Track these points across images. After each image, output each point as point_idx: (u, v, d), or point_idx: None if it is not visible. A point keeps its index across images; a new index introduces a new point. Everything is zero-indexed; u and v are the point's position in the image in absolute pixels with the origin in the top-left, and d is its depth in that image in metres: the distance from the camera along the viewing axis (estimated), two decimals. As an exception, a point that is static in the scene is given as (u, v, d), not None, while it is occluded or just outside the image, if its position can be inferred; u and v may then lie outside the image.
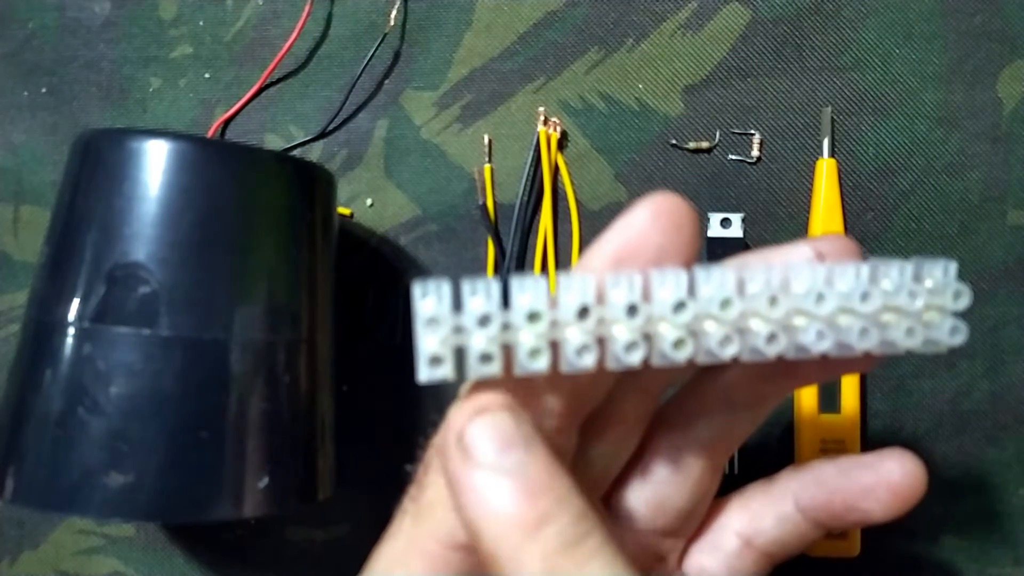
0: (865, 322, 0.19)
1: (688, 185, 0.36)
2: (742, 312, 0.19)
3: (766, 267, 0.19)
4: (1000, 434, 0.36)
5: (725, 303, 0.19)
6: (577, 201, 0.36)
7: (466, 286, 0.18)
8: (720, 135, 0.36)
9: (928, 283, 0.19)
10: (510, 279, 0.18)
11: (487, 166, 0.36)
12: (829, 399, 0.34)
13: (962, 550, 0.35)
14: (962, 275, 0.36)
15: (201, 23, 0.37)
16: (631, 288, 0.18)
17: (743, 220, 0.35)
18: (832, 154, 0.36)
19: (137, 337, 0.26)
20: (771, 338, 0.19)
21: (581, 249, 0.36)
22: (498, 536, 0.18)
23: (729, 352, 0.19)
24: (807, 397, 0.34)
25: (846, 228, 0.35)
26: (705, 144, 0.36)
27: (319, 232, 0.31)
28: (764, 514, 0.24)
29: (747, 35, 0.36)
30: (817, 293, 0.19)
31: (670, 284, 0.18)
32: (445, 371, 0.18)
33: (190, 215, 0.27)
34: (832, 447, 0.34)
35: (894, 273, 0.19)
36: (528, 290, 0.18)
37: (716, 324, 0.19)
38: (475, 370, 0.18)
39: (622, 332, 0.18)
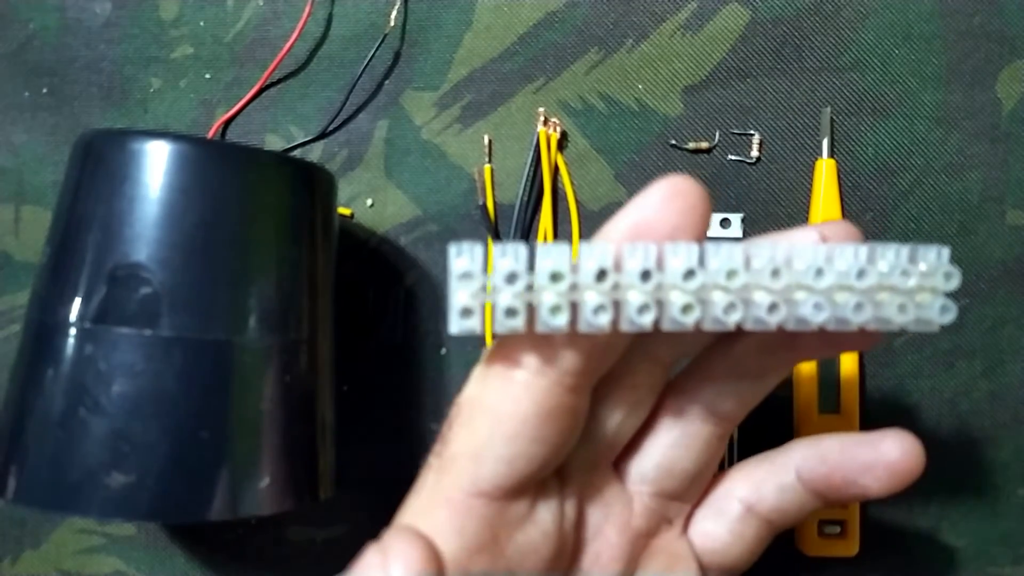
0: (860, 298, 0.21)
1: (688, 185, 0.36)
2: (747, 283, 0.20)
3: (772, 245, 0.21)
4: (999, 434, 0.36)
5: (731, 273, 0.20)
6: (577, 201, 0.36)
7: (496, 248, 0.20)
8: (720, 135, 0.36)
9: (922, 266, 0.21)
10: (535, 245, 0.20)
11: (487, 166, 0.37)
12: (829, 399, 0.35)
13: (961, 549, 0.36)
14: (961, 275, 0.36)
15: (202, 23, 0.37)
16: (646, 256, 0.20)
17: (743, 220, 0.35)
18: (831, 154, 0.36)
19: (138, 338, 0.26)
20: (772, 308, 0.20)
21: (581, 249, 0.36)
22: None
23: (733, 319, 0.20)
24: (807, 397, 0.35)
25: (845, 228, 0.35)
26: (705, 144, 0.36)
27: (319, 232, 0.31)
28: (766, 483, 0.25)
29: (747, 35, 0.36)
30: (816, 268, 0.20)
31: (682, 254, 0.20)
32: (473, 323, 0.20)
33: (191, 216, 0.27)
34: (831, 447, 0.34)
35: (890, 255, 0.21)
36: (551, 255, 0.20)
37: (722, 293, 0.20)
38: (501, 323, 0.20)
39: (636, 296, 0.20)
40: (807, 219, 0.36)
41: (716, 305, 0.20)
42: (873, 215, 0.36)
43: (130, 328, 0.26)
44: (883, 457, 0.23)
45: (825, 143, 0.35)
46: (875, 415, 0.36)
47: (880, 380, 0.36)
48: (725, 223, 0.35)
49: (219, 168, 0.28)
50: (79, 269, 0.27)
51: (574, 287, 0.20)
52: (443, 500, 0.22)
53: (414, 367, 0.37)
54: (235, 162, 0.29)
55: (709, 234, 0.35)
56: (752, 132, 0.36)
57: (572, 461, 0.24)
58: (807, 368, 0.35)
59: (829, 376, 0.35)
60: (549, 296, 0.20)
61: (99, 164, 0.28)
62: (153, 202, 0.27)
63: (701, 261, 0.20)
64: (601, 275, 0.20)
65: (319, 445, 0.31)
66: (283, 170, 0.30)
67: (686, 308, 0.20)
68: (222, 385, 0.27)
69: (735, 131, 0.36)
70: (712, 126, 0.36)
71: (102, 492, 0.26)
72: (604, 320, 0.20)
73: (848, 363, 0.35)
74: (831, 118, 0.36)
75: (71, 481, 0.26)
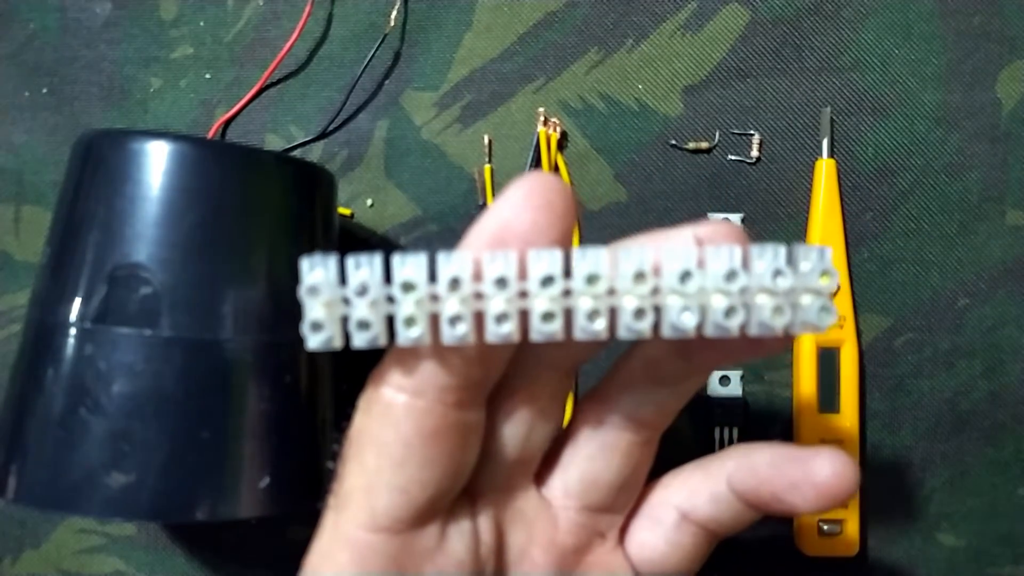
0: (732, 301, 0.19)
1: (688, 185, 0.36)
2: (610, 288, 0.19)
3: (641, 248, 0.19)
4: (998, 434, 0.36)
5: (591, 279, 0.19)
6: (577, 201, 0.36)
7: (350, 260, 0.19)
8: (720, 135, 0.36)
9: (803, 266, 0.20)
10: (394, 254, 0.19)
11: (487, 166, 0.37)
12: (828, 399, 0.35)
13: (961, 549, 0.36)
14: (961, 275, 0.37)
15: (202, 24, 0.37)
16: (506, 263, 0.19)
17: (743, 220, 0.35)
18: (831, 154, 0.36)
19: (138, 338, 0.26)
20: (639, 314, 0.19)
21: (581, 249, 0.36)
22: None
23: (598, 326, 0.19)
24: (806, 397, 0.35)
25: (845, 228, 0.35)
26: (705, 144, 0.36)
27: (320, 232, 0.31)
28: (700, 491, 0.24)
29: (747, 35, 0.36)
30: (683, 272, 0.19)
31: (544, 260, 0.19)
32: (325, 336, 0.19)
33: (191, 216, 0.27)
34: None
35: (767, 256, 0.20)
36: (408, 264, 0.19)
37: (588, 299, 0.19)
38: (357, 337, 0.19)
39: (496, 305, 0.19)
40: (807, 219, 0.36)
41: (580, 312, 0.19)
42: (873, 215, 0.36)
43: (130, 328, 0.26)
44: (811, 477, 0.22)
45: (825, 143, 0.36)
46: (874, 415, 0.36)
47: (880, 380, 0.36)
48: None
49: (219, 168, 0.28)
50: (79, 269, 0.27)
51: (434, 298, 0.19)
52: (343, 541, 0.21)
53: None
54: (235, 162, 0.29)
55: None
56: (752, 132, 0.36)
57: (482, 481, 0.23)
58: (807, 368, 0.35)
59: (829, 376, 0.35)
60: (405, 308, 0.19)
61: (99, 164, 0.28)
62: (153, 202, 0.27)
63: (567, 266, 0.19)
64: (454, 284, 0.19)
65: (319, 445, 0.31)
66: (283, 170, 0.30)
67: (546, 316, 0.19)
68: (222, 385, 0.27)
69: (735, 131, 0.36)
70: (712, 126, 0.36)
71: (102, 492, 0.26)
72: (463, 331, 0.19)
73: (848, 363, 0.35)
74: (831, 118, 0.36)
75: (71, 481, 0.26)
